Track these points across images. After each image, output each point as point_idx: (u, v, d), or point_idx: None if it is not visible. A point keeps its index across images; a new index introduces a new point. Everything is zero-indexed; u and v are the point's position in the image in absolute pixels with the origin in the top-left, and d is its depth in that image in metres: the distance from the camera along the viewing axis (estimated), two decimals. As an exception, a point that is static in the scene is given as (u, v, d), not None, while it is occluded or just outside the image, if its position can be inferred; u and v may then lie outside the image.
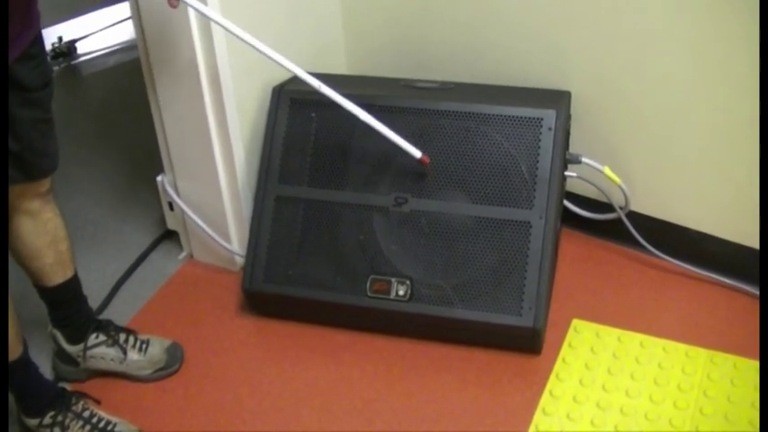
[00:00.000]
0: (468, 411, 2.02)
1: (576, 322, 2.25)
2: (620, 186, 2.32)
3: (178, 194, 2.53)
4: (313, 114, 2.28)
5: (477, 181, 2.15)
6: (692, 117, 2.22)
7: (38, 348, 2.14)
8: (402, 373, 2.15)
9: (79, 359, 2.15)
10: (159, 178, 2.56)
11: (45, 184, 1.92)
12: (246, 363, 2.23)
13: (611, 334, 2.20)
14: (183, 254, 2.67)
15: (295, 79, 2.34)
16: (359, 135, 2.23)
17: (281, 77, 2.39)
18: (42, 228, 1.95)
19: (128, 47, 4.22)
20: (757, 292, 2.26)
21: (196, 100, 2.28)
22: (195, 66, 2.22)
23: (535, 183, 2.11)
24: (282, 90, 2.33)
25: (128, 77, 3.58)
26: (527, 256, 2.09)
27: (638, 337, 2.18)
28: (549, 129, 2.12)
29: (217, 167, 2.38)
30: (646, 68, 2.23)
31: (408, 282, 2.15)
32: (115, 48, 4.30)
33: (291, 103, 2.31)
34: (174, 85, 2.32)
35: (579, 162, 2.28)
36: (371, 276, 2.18)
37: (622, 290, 2.37)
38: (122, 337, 2.17)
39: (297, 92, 2.31)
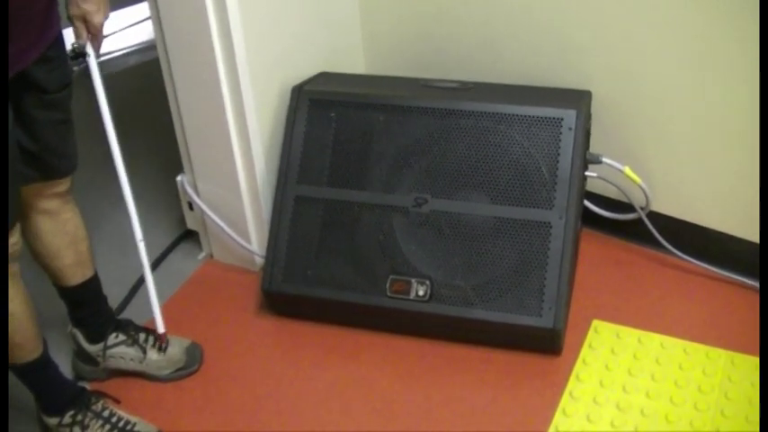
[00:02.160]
0: (488, 412, 2.02)
1: (596, 323, 2.25)
2: (640, 186, 2.32)
3: (198, 194, 2.53)
4: (332, 114, 2.28)
5: (497, 181, 2.14)
6: (713, 117, 2.20)
7: (57, 347, 2.15)
8: (421, 374, 2.14)
9: (99, 358, 2.15)
10: (179, 178, 2.57)
11: (64, 184, 1.93)
12: (266, 363, 2.23)
13: (631, 335, 2.19)
14: (203, 254, 2.68)
15: (315, 79, 2.35)
16: (378, 135, 2.23)
17: (301, 77, 2.40)
18: (62, 228, 1.96)
19: (147, 47, 4.24)
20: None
21: (215, 100, 2.29)
22: (214, 66, 2.23)
23: (555, 183, 2.10)
24: (302, 90, 2.32)
25: (147, 78, 3.58)
26: (547, 256, 2.09)
27: (659, 338, 2.17)
28: (570, 129, 2.11)
29: (236, 167, 2.39)
30: (667, 68, 2.22)
31: (428, 282, 2.15)
32: (135, 48, 4.32)
33: (311, 103, 2.30)
34: (194, 86, 2.32)
35: (600, 162, 2.28)
36: (391, 277, 2.18)
37: (643, 290, 2.36)
38: (142, 336, 2.18)
39: (316, 92, 2.32)
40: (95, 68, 1.94)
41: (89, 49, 1.90)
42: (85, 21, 1.83)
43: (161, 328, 2.15)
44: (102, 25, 1.86)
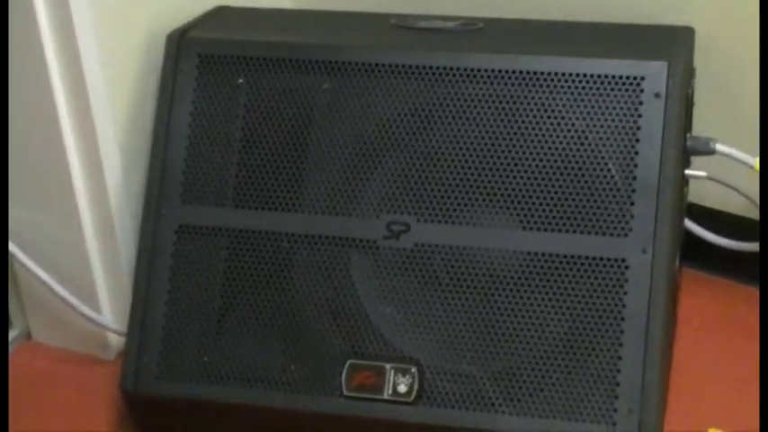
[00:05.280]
0: None
1: (713, 434, 2.32)
2: (782, 193, 2.35)
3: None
4: (240, 80, 2.32)
5: (532, 191, 2.18)
6: None
7: None
8: None
9: None
10: (-34, 198, 2.64)
11: None
12: None
13: (775, 454, 2.28)
14: (14, 332, 2.74)
15: (208, 18, 2.42)
16: (322, 115, 2.27)
17: (184, 16, 2.45)
18: None
19: None
20: None
21: (33, 62, 2.33)
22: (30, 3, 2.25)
23: (633, 191, 2.13)
24: (185, 39, 2.35)
25: None
26: (622, 319, 2.11)
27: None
28: (657, 95, 2.13)
29: (72, 180, 2.43)
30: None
31: (414, 369, 2.19)
32: None
33: (202, 62, 2.33)
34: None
35: (711, 152, 2.30)
36: (350, 361, 2.22)
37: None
38: None
39: (211, 41, 2.36)
40: None
41: None
42: None
43: None
44: None
